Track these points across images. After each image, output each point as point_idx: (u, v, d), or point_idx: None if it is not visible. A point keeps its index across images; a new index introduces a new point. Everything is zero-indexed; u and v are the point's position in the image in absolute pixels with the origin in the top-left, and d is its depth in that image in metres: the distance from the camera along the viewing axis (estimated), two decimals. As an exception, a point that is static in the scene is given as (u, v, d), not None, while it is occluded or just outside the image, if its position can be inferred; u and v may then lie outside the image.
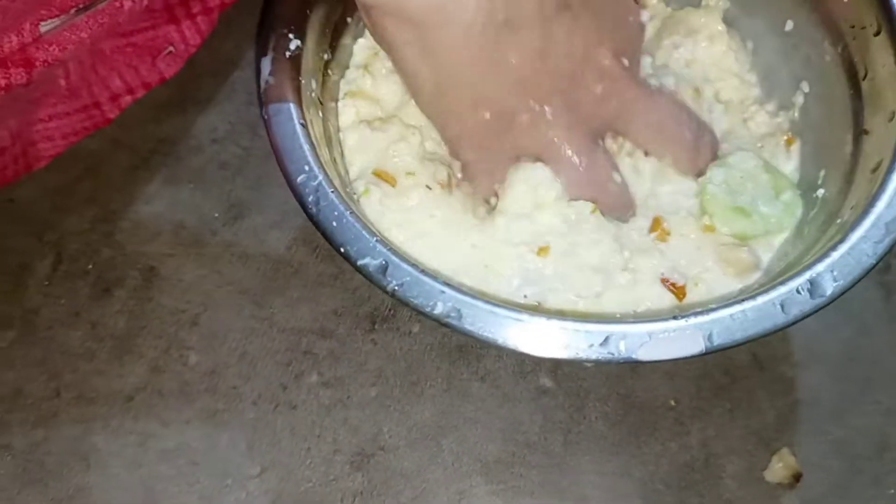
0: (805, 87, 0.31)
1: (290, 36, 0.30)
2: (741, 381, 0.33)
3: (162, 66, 0.39)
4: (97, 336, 0.34)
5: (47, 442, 0.32)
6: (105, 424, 0.32)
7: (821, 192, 0.29)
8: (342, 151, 0.31)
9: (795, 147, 0.31)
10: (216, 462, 0.32)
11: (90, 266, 0.36)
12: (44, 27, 0.32)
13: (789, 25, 0.32)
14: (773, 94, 0.33)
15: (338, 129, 0.32)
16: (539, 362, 0.33)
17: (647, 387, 0.33)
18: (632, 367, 0.33)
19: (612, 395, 0.33)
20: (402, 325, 0.34)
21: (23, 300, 0.35)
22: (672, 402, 0.32)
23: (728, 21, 0.34)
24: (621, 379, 0.33)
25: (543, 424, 0.32)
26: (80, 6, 0.32)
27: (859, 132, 0.28)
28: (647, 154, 0.30)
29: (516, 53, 0.27)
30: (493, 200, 0.30)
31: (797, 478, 0.31)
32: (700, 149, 0.31)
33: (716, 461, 0.31)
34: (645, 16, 0.31)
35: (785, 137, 0.32)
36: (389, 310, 0.34)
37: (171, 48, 0.39)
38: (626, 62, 0.30)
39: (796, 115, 0.32)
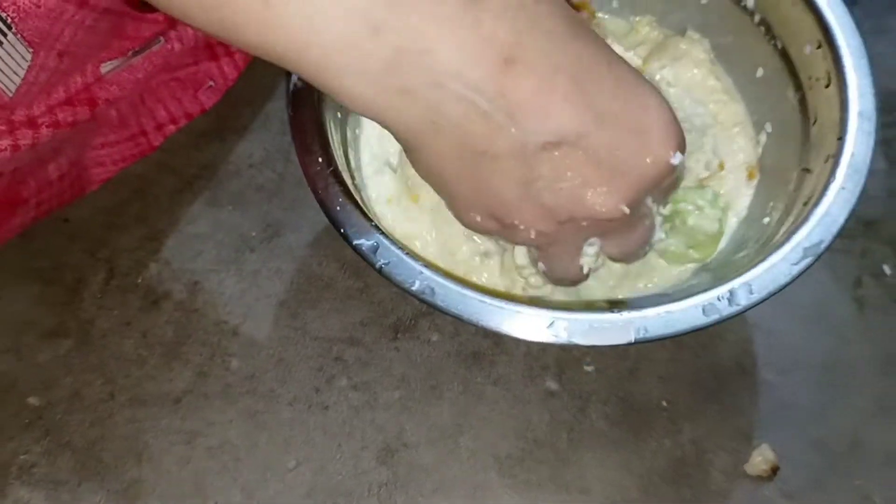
0: (769, 127, 0.35)
1: None
2: (728, 385, 0.36)
3: (203, 97, 0.42)
4: (147, 344, 0.38)
5: (103, 440, 0.36)
6: (155, 424, 0.36)
7: (766, 219, 0.33)
8: (357, 152, 0.35)
9: (754, 181, 0.35)
10: (256, 457, 0.35)
11: (139, 280, 0.39)
12: (104, 68, 0.35)
13: (760, 72, 0.36)
14: (743, 132, 0.37)
15: (356, 134, 0.36)
16: (546, 368, 0.37)
17: (644, 390, 0.36)
18: (630, 371, 0.37)
19: (612, 397, 0.36)
20: (422, 335, 0.38)
21: (78, 312, 0.38)
22: (665, 404, 0.36)
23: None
24: (620, 383, 0.36)
25: (550, 423, 0.36)
26: (136, 49, 0.36)
27: (803, 170, 0.32)
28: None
29: (498, 179, 0.27)
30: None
31: (775, 471, 0.34)
32: (642, 255, 0.32)
33: (705, 456, 0.35)
34: (676, 158, 0.27)
35: (747, 172, 0.36)
36: (411, 321, 0.38)
37: (211, 82, 0.43)
38: (625, 210, 0.27)
39: (760, 151, 0.36)
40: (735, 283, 0.28)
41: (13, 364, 0.37)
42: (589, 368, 0.37)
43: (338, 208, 0.29)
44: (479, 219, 0.29)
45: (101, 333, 0.38)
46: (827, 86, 0.32)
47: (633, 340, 0.27)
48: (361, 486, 0.34)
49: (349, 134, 0.35)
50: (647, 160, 0.26)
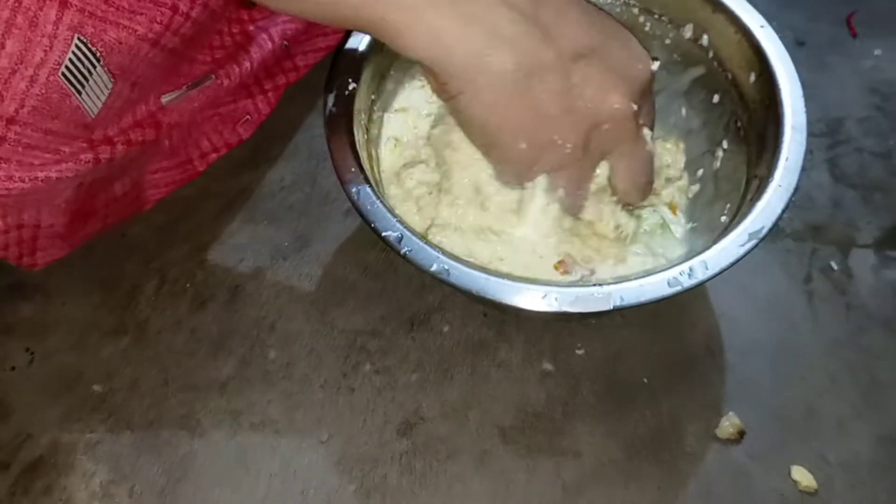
0: (725, 144, 0.42)
1: (349, 80, 0.40)
2: (699, 364, 0.42)
3: (240, 130, 0.49)
4: (196, 339, 0.43)
5: (160, 420, 0.41)
6: (205, 405, 0.41)
7: (723, 218, 0.39)
8: (379, 163, 0.42)
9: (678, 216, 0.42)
10: (293, 432, 0.40)
11: (188, 286, 0.45)
12: (164, 99, 0.42)
13: (715, 99, 0.43)
14: (701, 147, 0.43)
15: (378, 149, 0.43)
16: (542, 352, 0.43)
17: (627, 370, 0.42)
18: (615, 354, 0.42)
19: (600, 375, 0.42)
20: (434, 327, 0.44)
21: (135, 313, 0.44)
22: (646, 381, 0.42)
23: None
24: (607, 364, 0.42)
25: (547, 399, 0.41)
26: (189, 84, 0.43)
27: (751, 176, 0.38)
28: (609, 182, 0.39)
29: (544, 94, 0.34)
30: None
31: (742, 434, 0.40)
32: (644, 192, 0.40)
33: (680, 424, 0.40)
34: (655, 65, 0.37)
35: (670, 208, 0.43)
36: (425, 315, 0.44)
37: (248, 116, 0.49)
38: (633, 106, 0.36)
39: (717, 164, 0.42)
40: (694, 262, 0.34)
41: (79, 358, 0.43)
42: (580, 352, 0.43)
43: (369, 207, 0.35)
44: (523, 146, 0.35)
45: (156, 331, 0.44)
46: (767, 106, 0.39)
47: (612, 307, 0.32)
48: (385, 454, 0.40)
49: (374, 152, 0.41)
50: (639, 66, 0.36)
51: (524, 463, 0.39)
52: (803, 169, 0.48)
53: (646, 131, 0.39)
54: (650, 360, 0.42)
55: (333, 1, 0.33)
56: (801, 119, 0.37)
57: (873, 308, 0.44)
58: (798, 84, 0.38)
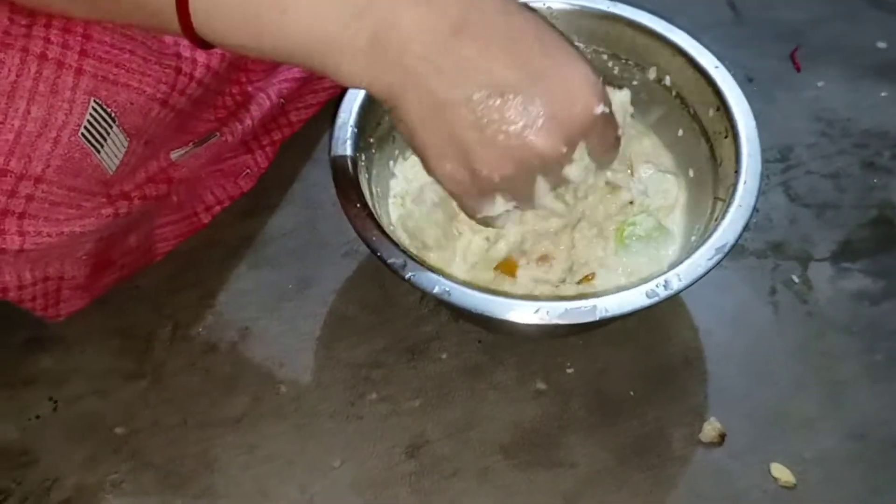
0: (690, 172, 0.47)
1: (351, 127, 0.44)
2: (678, 375, 0.46)
3: (241, 183, 0.53)
4: (210, 378, 0.46)
5: (179, 457, 0.43)
6: (221, 440, 0.44)
7: (693, 237, 0.43)
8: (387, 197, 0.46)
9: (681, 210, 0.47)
10: (306, 461, 0.43)
11: (200, 330, 0.48)
12: (173, 155, 0.46)
13: (680, 132, 0.48)
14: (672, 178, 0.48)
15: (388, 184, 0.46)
16: (534, 372, 0.46)
17: (614, 384, 0.45)
18: (601, 371, 0.46)
19: (589, 391, 0.45)
20: (433, 355, 0.47)
21: (151, 358, 0.47)
22: (632, 393, 0.45)
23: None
24: (595, 380, 0.46)
25: (541, 416, 0.44)
26: (195, 141, 0.47)
27: (715, 199, 0.43)
28: None
29: (458, 125, 0.34)
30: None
31: (723, 437, 0.43)
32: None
33: (666, 431, 0.44)
34: (600, 108, 0.34)
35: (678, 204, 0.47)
36: (424, 344, 0.47)
37: (248, 170, 0.53)
38: (562, 148, 0.34)
39: (686, 191, 0.47)
40: (669, 275, 0.38)
41: (100, 403, 0.45)
42: (569, 370, 0.46)
43: (374, 238, 0.39)
44: (449, 167, 0.35)
45: (172, 373, 0.46)
46: (726, 137, 0.44)
47: (597, 318, 0.36)
48: (394, 476, 0.42)
49: (376, 190, 0.45)
50: (577, 108, 0.34)
51: (524, 476, 0.42)
52: (763, 193, 0.53)
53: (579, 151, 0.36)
54: (634, 374, 0.46)
55: (272, 47, 0.34)
56: (756, 147, 0.42)
57: (832, 315, 0.48)
58: (751, 116, 0.43)
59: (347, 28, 0.33)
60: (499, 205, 0.39)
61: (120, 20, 0.36)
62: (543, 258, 0.44)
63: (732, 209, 0.40)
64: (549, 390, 0.45)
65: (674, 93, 0.47)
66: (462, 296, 0.37)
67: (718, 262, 0.38)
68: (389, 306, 0.49)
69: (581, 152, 0.36)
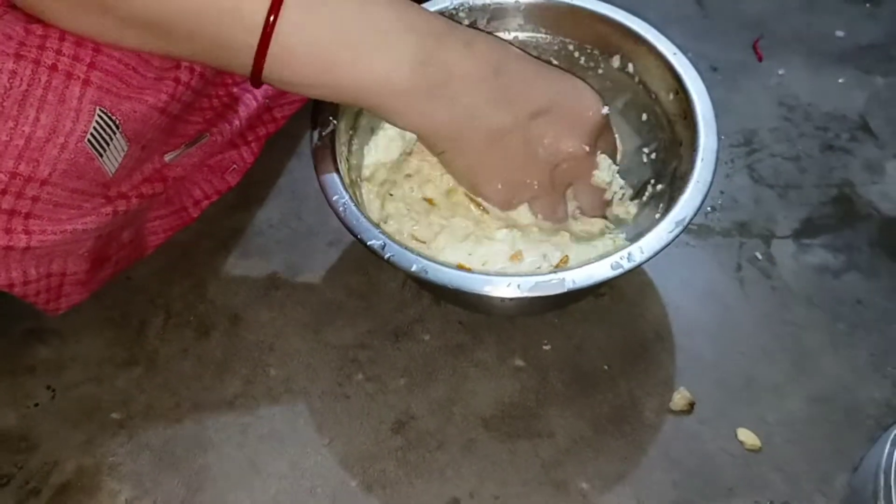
0: (653, 155, 0.49)
1: (330, 118, 0.46)
2: (650, 348, 0.48)
3: (229, 177, 0.55)
4: (202, 364, 0.48)
5: (175, 438, 0.45)
6: (215, 421, 0.46)
7: (657, 215, 0.45)
8: (361, 185, 0.48)
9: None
10: (297, 438, 0.45)
11: (191, 318, 0.50)
12: (167, 157, 0.48)
13: (644, 117, 0.50)
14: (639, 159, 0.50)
15: (360, 173, 0.48)
16: (513, 350, 0.48)
17: (589, 359, 0.48)
18: (577, 347, 0.48)
19: (566, 366, 0.47)
20: (417, 336, 0.49)
21: (145, 345, 0.49)
22: (606, 367, 0.47)
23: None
24: (571, 355, 0.48)
25: (521, 391, 0.46)
26: (189, 142, 0.49)
27: (675, 177, 0.45)
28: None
29: (510, 150, 0.43)
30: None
31: (692, 405, 0.45)
32: (601, 208, 0.48)
33: (638, 401, 0.46)
34: (605, 109, 0.45)
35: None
36: (408, 326, 0.49)
37: (234, 165, 0.55)
38: (585, 147, 0.45)
39: (651, 171, 0.49)
40: (632, 248, 0.40)
41: (97, 389, 0.47)
42: (546, 347, 0.48)
43: (354, 222, 0.41)
44: (499, 186, 0.45)
45: (165, 360, 0.48)
46: (685, 118, 0.46)
47: (566, 290, 0.38)
48: (382, 451, 0.44)
49: (356, 177, 0.47)
50: (590, 113, 0.45)
51: (506, 446, 0.44)
52: (728, 176, 0.56)
53: (602, 158, 0.47)
54: (608, 349, 0.48)
55: (336, 90, 0.40)
56: (712, 126, 0.44)
57: (795, 288, 0.50)
58: (707, 98, 0.45)
59: (413, 75, 0.39)
60: (523, 215, 0.47)
61: (187, 55, 0.40)
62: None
63: (691, 185, 0.42)
64: (527, 367, 0.47)
65: (637, 79, 0.50)
66: (437, 273, 0.39)
67: (678, 235, 0.40)
68: (374, 292, 0.51)
69: (602, 157, 0.47)
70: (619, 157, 0.50)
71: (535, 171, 0.45)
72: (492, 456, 0.44)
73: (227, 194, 0.54)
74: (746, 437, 0.44)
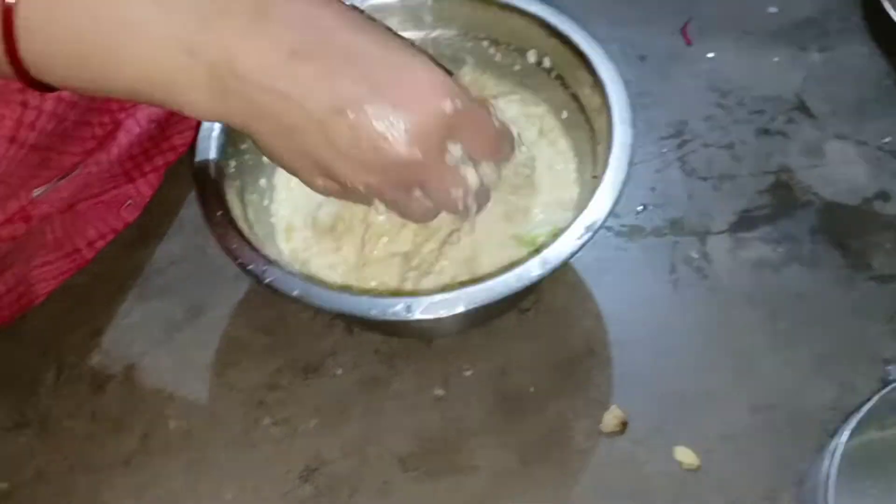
0: (575, 156, 0.46)
1: (217, 131, 0.43)
2: (580, 364, 0.44)
3: (125, 214, 0.51)
4: (97, 420, 0.44)
5: (67, 506, 0.42)
6: (110, 485, 0.42)
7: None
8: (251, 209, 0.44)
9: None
10: (197, 497, 0.41)
11: (86, 371, 0.46)
12: (35, 193, 0.44)
13: (565, 114, 0.46)
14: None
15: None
16: (433, 378, 0.44)
17: (514, 381, 0.44)
18: (501, 369, 0.44)
19: (488, 392, 0.44)
20: (328, 371, 0.45)
21: (37, 404, 0.45)
22: (532, 389, 0.44)
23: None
24: (494, 380, 0.44)
25: (440, 422, 0.43)
26: (60, 176, 0.45)
27: (593, 177, 0.41)
28: None
29: (311, 145, 0.34)
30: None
31: (624, 425, 0.42)
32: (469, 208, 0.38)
33: (568, 425, 0.42)
34: (449, 105, 0.33)
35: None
36: (319, 362, 0.46)
37: (130, 200, 0.51)
38: (416, 152, 0.33)
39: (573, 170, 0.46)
40: (536, 259, 0.36)
41: (-18, 458, 0.43)
42: (468, 373, 0.45)
43: (234, 246, 0.38)
44: (320, 182, 0.36)
45: (57, 419, 0.44)
46: (601, 114, 0.42)
47: (463, 309, 0.35)
48: (290, 503, 0.41)
49: (252, 198, 0.44)
50: (426, 109, 0.33)
51: (425, 487, 0.41)
52: (659, 171, 0.52)
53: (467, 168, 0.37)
54: (535, 368, 0.44)
55: (106, 86, 0.34)
56: (628, 126, 0.41)
57: (733, 287, 0.47)
58: (623, 92, 0.42)
59: (182, 66, 0.32)
60: (381, 210, 0.38)
61: None
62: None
63: (602, 186, 0.39)
64: (447, 395, 0.44)
65: (553, 74, 0.46)
66: (321, 296, 0.36)
67: (588, 241, 0.37)
68: (283, 326, 0.47)
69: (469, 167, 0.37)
70: (516, 153, 0.42)
71: (352, 174, 0.35)
72: (410, 498, 0.41)
73: (124, 231, 0.51)
74: (684, 455, 0.41)
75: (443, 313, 0.35)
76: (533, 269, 0.36)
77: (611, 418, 0.42)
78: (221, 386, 0.45)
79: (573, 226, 0.37)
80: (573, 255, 0.37)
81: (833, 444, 0.36)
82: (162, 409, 0.44)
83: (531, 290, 0.44)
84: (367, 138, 0.33)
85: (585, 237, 0.37)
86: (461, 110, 0.34)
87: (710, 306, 0.46)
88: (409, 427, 0.43)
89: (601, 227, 0.37)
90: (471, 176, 0.37)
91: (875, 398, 0.36)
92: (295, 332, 0.47)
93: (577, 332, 0.46)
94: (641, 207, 0.51)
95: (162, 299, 0.49)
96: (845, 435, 0.35)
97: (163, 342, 0.47)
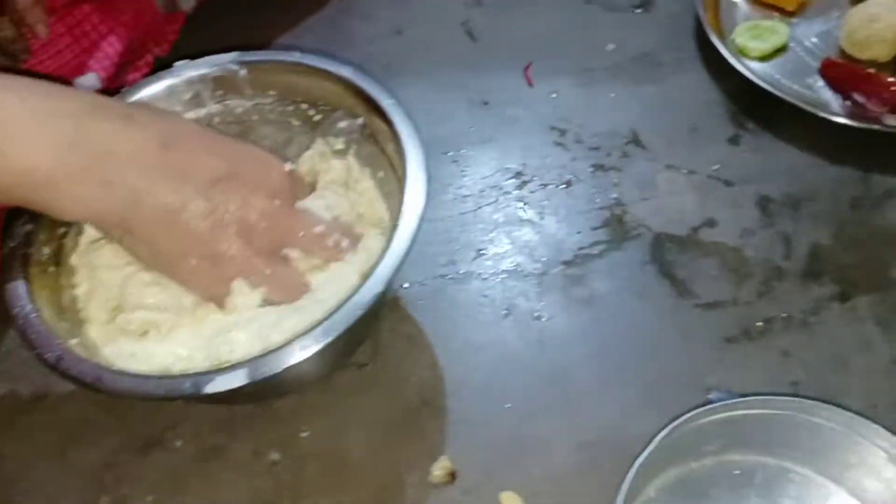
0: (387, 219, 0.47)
1: (25, 224, 0.44)
2: (415, 417, 0.45)
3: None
4: (-66, 515, 0.44)
5: None
6: (-56, 581, 0.42)
7: None
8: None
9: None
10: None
11: (-74, 464, 0.46)
12: None
13: (381, 174, 0.48)
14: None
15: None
16: (270, 443, 0.45)
17: (349, 439, 0.44)
18: (337, 427, 0.45)
19: (324, 452, 0.44)
20: (168, 444, 0.45)
21: None
22: (367, 446, 0.44)
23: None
24: (330, 438, 0.45)
25: (275, 488, 0.43)
26: None
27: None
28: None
29: (193, 225, 0.40)
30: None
31: (453, 475, 0.43)
32: (339, 244, 0.44)
33: (400, 478, 0.43)
34: (288, 166, 0.44)
35: None
36: (158, 435, 0.46)
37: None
38: (277, 202, 0.42)
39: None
40: (318, 329, 0.37)
41: None
42: (304, 434, 0.45)
43: (33, 336, 0.40)
44: (193, 262, 0.41)
45: None
46: (404, 173, 0.43)
47: (247, 381, 0.36)
48: (123, 583, 0.41)
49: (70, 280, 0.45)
50: (274, 173, 0.43)
51: (258, 555, 0.41)
52: (493, 214, 0.54)
53: (309, 205, 0.45)
54: (371, 424, 0.45)
55: None
56: (422, 183, 0.42)
57: (565, 326, 0.48)
58: (420, 148, 0.43)
59: (63, 160, 0.37)
60: (240, 290, 0.42)
61: None
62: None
63: (385, 260, 0.39)
64: (283, 459, 0.44)
65: (367, 132, 0.48)
66: (115, 382, 0.37)
67: (372, 308, 0.38)
68: (124, 403, 0.47)
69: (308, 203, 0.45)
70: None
71: (227, 236, 0.41)
72: (242, 569, 0.41)
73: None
74: (509, 500, 0.42)
75: (227, 386, 0.36)
76: (313, 341, 0.37)
77: (438, 469, 0.43)
78: (63, 467, 0.45)
79: (356, 295, 0.38)
80: (354, 324, 0.38)
81: (623, 488, 0.37)
82: (6, 496, 0.44)
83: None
84: (236, 203, 0.41)
85: (370, 304, 0.38)
86: (292, 170, 0.45)
87: (543, 349, 0.47)
88: (245, 495, 0.43)
89: (372, 308, 0.38)
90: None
91: (656, 440, 0.37)
92: (136, 407, 0.47)
93: (413, 385, 0.47)
94: (481, 250, 0.52)
95: (5, 382, 0.49)
96: (627, 482, 0.36)
97: (6, 427, 0.47)
